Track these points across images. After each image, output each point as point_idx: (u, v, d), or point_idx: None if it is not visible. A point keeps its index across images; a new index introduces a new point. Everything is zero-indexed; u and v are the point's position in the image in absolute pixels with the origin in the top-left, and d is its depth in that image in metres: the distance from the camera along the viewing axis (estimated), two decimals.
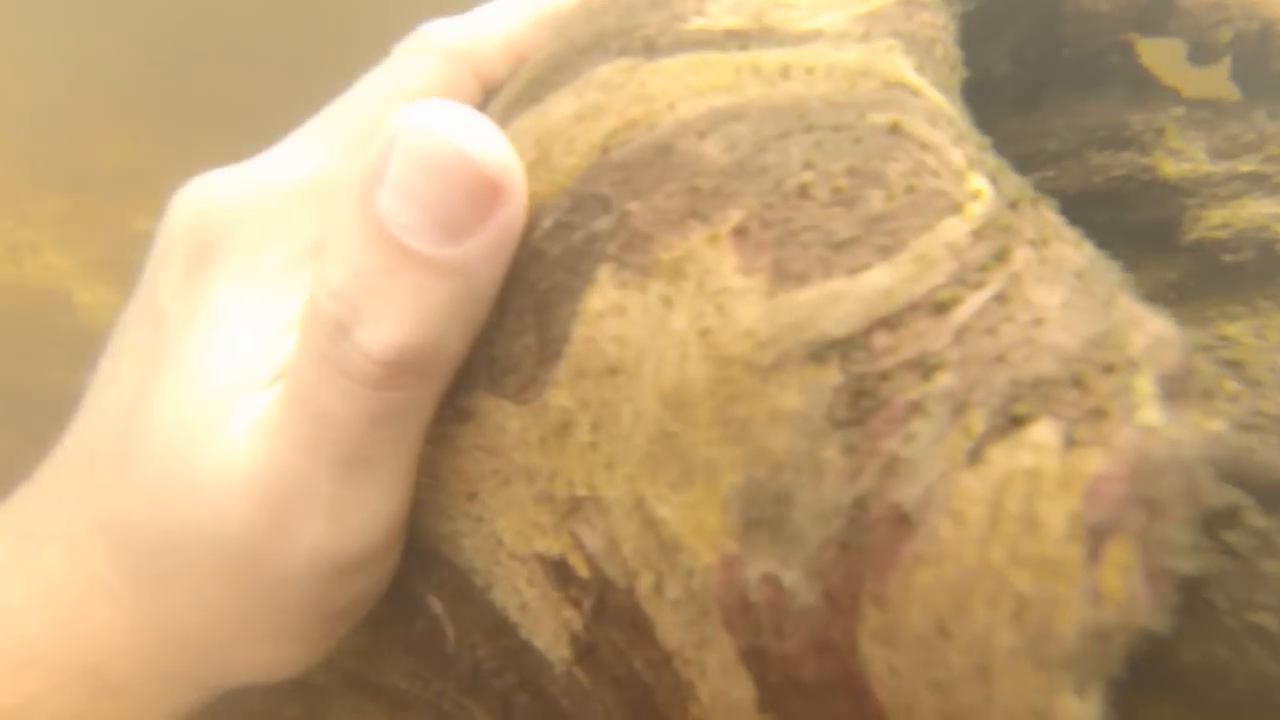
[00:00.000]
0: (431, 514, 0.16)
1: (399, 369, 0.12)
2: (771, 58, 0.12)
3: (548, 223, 0.12)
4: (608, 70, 0.13)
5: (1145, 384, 0.08)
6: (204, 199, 0.16)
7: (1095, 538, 0.07)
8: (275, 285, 0.15)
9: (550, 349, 0.11)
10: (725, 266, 0.10)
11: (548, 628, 0.13)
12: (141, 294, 0.17)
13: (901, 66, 0.12)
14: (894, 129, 0.10)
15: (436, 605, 0.18)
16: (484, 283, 0.12)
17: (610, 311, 0.11)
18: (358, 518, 0.14)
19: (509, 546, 0.14)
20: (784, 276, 0.09)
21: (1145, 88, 0.21)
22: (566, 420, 0.11)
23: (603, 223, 0.11)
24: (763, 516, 0.09)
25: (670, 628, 0.10)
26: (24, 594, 0.15)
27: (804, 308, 0.09)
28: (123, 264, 0.73)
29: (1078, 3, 0.18)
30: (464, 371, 0.14)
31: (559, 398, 0.11)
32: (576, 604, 0.12)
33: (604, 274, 0.11)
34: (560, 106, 0.13)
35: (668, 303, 0.10)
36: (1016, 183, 0.10)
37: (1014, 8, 0.18)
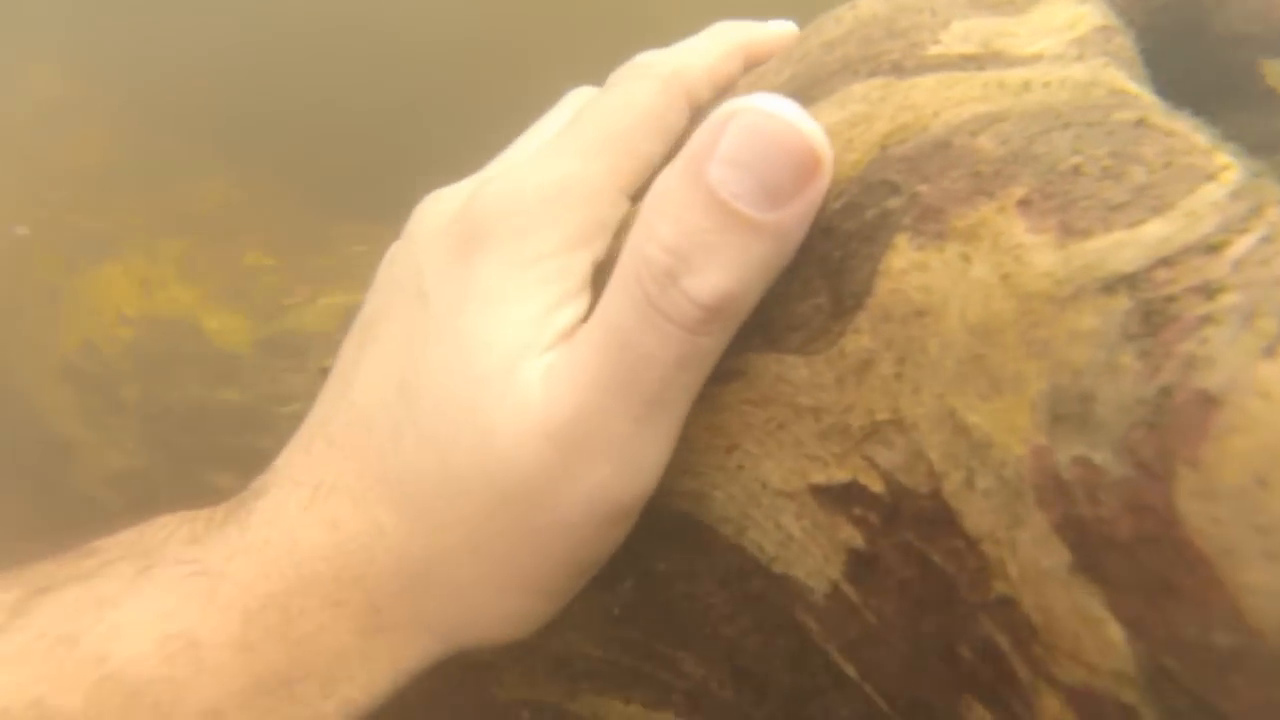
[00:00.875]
0: (669, 477, 0.18)
1: (714, 314, 0.15)
2: (1011, 75, 0.15)
3: (837, 205, 0.15)
4: (863, 87, 0.16)
5: None
6: (460, 200, 0.19)
7: None
8: (540, 270, 0.17)
9: (846, 304, 0.14)
10: (1016, 228, 0.12)
11: (814, 555, 0.16)
12: (391, 284, 0.20)
13: (1121, 78, 0.14)
14: (1141, 122, 0.13)
15: (662, 563, 0.20)
16: (790, 245, 0.15)
17: (913, 268, 0.13)
18: (641, 460, 0.16)
19: (775, 486, 0.16)
20: (1071, 232, 0.12)
21: (1276, 102, 0.23)
22: (868, 359, 0.14)
23: (894, 202, 0.14)
24: (1068, 413, 0.11)
25: (979, 515, 0.12)
26: (320, 539, 0.18)
27: (1093, 253, 0.12)
28: (241, 294, 0.78)
29: (1229, 24, 0.20)
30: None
31: (860, 341, 0.14)
32: (861, 521, 0.14)
33: (901, 240, 0.14)
34: (825, 116, 0.16)
35: (966, 258, 0.13)
36: (1249, 162, 0.12)
37: (1169, 31, 0.21)
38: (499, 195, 0.18)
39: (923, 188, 0.14)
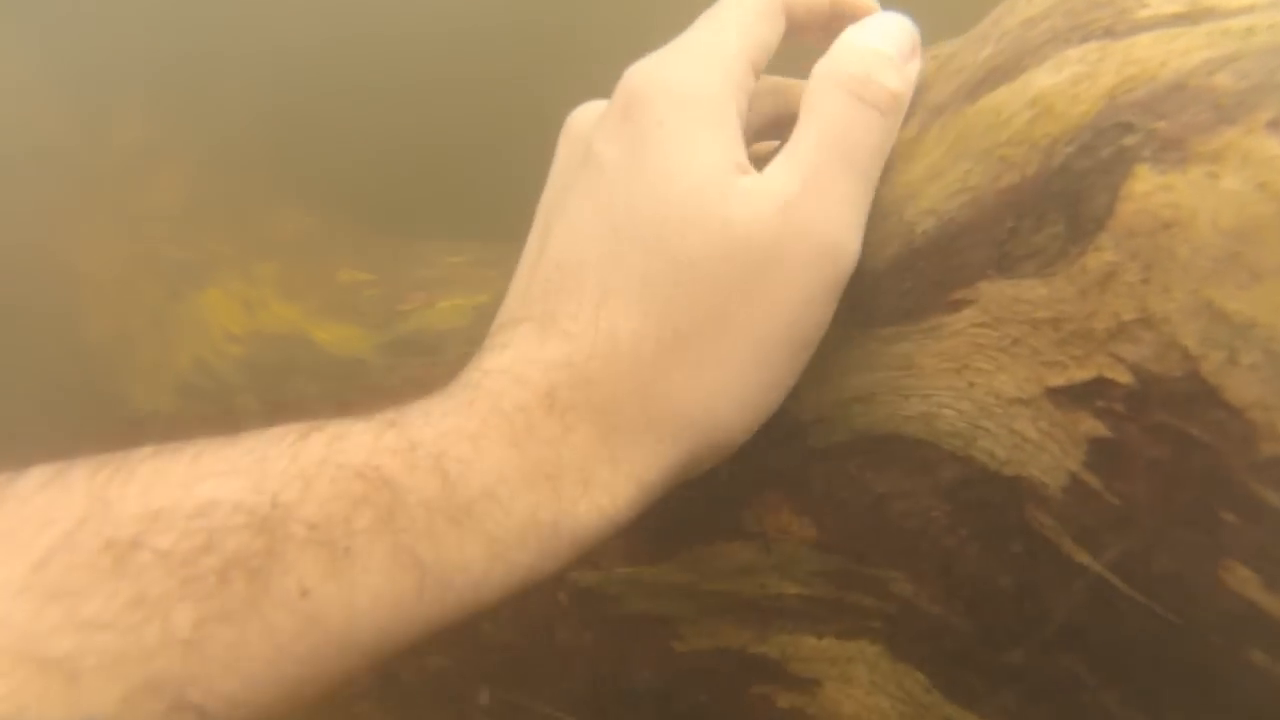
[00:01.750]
0: (893, 403, 0.20)
1: (897, 101, 0.21)
2: (1233, 23, 0.17)
3: (1070, 149, 0.17)
4: (1078, 51, 0.18)
5: None
6: (602, 101, 0.23)
7: None
8: (704, 112, 0.21)
9: (1086, 228, 0.17)
10: (1267, 144, 0.14)
11: (1051, 451, 0.18)
12: (564, 170, 0.23)
13: None
14: None
15: (881, 487, 0.22)
16: (911, 91, 0.22)
17: (1156, 190, 0.15)
18: (854, 225, 0.20)
19: (1010, 395, 0.18)
20: None
21: None
22: (1111, 271, 0.16)
23: (1131, 139, 0.16)
24: None
25: (1243, 388, 0.14)
26: (556, 350, 0.20)
27: None
28: (346, 307, 0.82)
29: None
30: (952, 277, 0.19)
31: (1102, 257, 0.16)
32: (1105, 412, 0.16)
33: (1141, 169, 0.16)
34: (1042, 79, 0.18)
35: (1214, 175, 0.15)
36: None
37: None
38: (648, 65, 0.22)
39: (1160, 124, 0.16)
